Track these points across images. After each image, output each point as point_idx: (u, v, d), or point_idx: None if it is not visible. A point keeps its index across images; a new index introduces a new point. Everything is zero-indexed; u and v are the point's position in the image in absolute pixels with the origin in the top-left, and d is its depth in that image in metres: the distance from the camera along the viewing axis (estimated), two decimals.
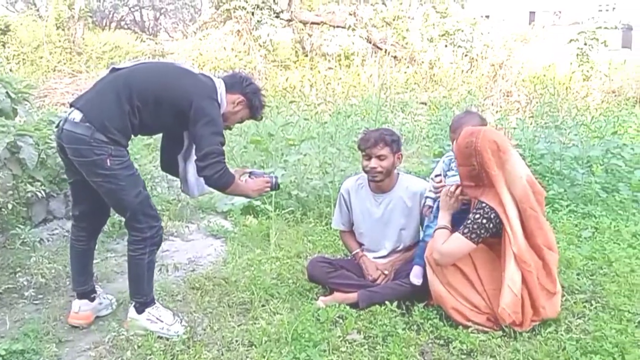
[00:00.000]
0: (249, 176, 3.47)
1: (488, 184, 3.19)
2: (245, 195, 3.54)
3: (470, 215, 3.24)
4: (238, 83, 3.37)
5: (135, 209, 3.11)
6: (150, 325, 3.21)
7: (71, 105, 3.11)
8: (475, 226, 3.20)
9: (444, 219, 3.40)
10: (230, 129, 3.58)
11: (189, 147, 3.31)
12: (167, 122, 3.23)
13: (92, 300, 3.42)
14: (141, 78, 3.17)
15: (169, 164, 3.52)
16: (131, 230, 3.18)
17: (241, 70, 3.68)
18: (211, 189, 3.42)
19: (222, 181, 3.19)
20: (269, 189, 3.48)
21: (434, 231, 3.41)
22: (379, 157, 3.63)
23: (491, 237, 3.24)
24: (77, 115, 3.00)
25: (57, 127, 3.16)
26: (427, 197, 3.64)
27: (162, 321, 3.22)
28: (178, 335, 3.17)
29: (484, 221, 3.18)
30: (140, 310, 3.24)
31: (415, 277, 3.52)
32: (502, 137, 3.26)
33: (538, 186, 3.30)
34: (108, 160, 2.98)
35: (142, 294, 3.25)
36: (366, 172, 3.71)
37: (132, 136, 3.23)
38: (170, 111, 3.15)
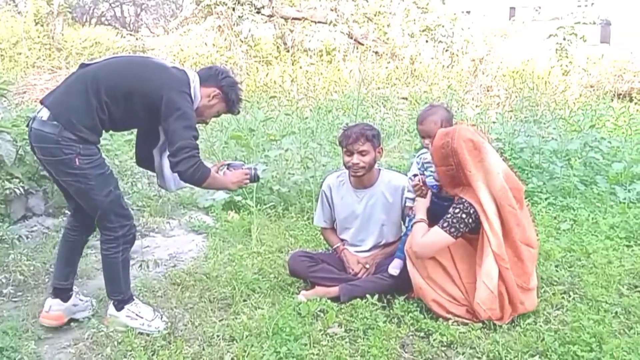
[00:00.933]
0: (227, 168, 3.38)
1: (466, 182, 3.22)
2: (224, 188, 3.49)
3: (450, 210, 3.26)
4: (213, 76, 3.29)
5: (106, 209, 3.05)
6: (131, 322, 3.17)
7: (41, 102, 3.05)
8: (454, 220, 3.22)
9: (420, 212, 3.43)
10: (206, 123, 3.51)
11: (164, 140, 3.23)
12: (138, 117, 3.16)
13: (66, 300, 3.32)
14: (110, 73, 3.10)
15: (144, 159, 3.44)
16: (103, 230, 3.13)
17: (220, 65, 3.59)
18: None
19: (196, 176, 3.10)
20: (248, 180, 3.37)
21: (412, 225, 3.43)
22: (361, 153, 3.62)
23: (470, 232, 3.27)
24: (45, 114, 2.95)
25: (27, 126, 3.10)
26: (406, 197, 3.64)
27: (142, 317, 3.19)
28: (159, 331, 3.15)
29: (464, 216, 3.21)
30: (119, 307, 3.21)
31: (394, 268, 3.54)
32: (476, 134, 3.27)
33: (516, 182, 3.33)
34: (77, 160, 2.92)
35: (119, 292, 3.22)
36: (348, 167, 3.71)
37: (103, 132, 3.13)
38: (141, 106, 3.08)
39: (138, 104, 3.07)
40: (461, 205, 3.23)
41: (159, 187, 3.58)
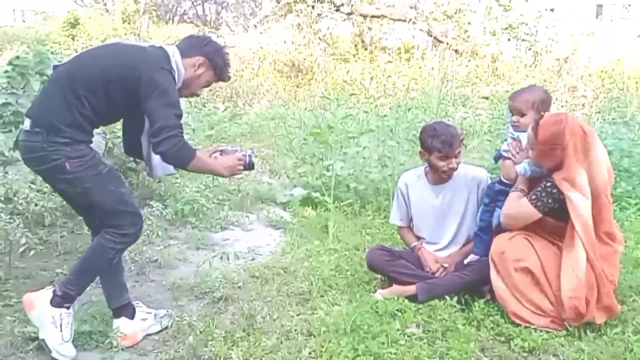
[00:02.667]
0: (221, 154, 3.14)
1: (566, 164, 3.15)
2: (215, 172, 3.25)
3: (542, 184, 3.23)
4: (195, 45, 3.08)
5: (110, 209, 2.91)
6: (49, 323, 2.88)
7: (25, 115, 2.95)
8: (543, 194, 3.19)
9: (520, 183, 3.37)
10: (197, 95, 3.34)
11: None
12: (121, 105, 2.95)
13: (131, 317, 3.14)
14: (82, 65, 2.94)
15: (132, 147, 3.25)
16: (110, 228, 2.94)
17: (199, 34, 3.29)
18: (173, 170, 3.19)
19: (180, 156, 2.87)
20: (241, 167, 3.11)
21: (510, 193, 3.38)
22: (457, 155, 3.63)
23: (556, 217, 3.21)
24: (27, 124, 2.85)
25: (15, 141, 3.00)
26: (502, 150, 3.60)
27: (61, 331, 2.88)
28: (63, 357, 2.88)
29: (554, 191, 3.16)
30: (57, 303, 2.91)
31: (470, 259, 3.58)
32: (586, 124, 3.25)
33: (612, 178, 3.31)
34: (67, 164, 2.78)
35: (76, 287, 2.98)
36: (444, 171, 3.66)
37: (90, 128, 2.94)
38: (121, 92, 2.88)
39: (117, 91, 2.87)
40: (553, 181, 3.17)
41: (147, 175, 3.32)
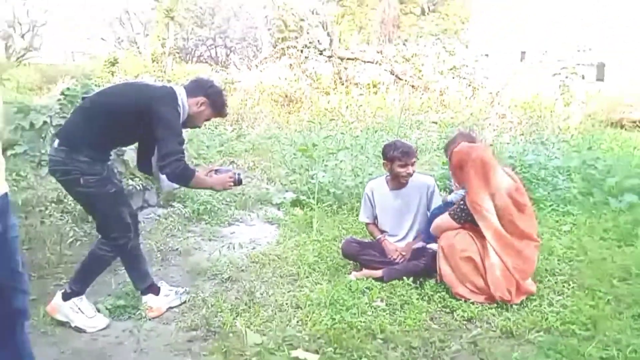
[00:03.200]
0: (215, 173, 3.09)
1: (470, 186, 3.24)
2: (210, 188, 3.15)
3: (459, 202, 3.32)
4: (200, 87, 3.04)
5: (107, 222, 2.89)
6: (72, 314, 2.88)
7: (55, 135, 2.91)
8: (458, 210, 3.30)
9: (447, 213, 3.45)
10: (199, 127, 3.26)
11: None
12: (135, 132, 2.94)
13: (157, 293, 3.13)
14: (103, 98, 2.92)
15: (144, 165, 3.18)
16: (103, 237, 2.92)
17: (203, 76, 3.26)
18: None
19: (182, 176, 2.85)
20: (232, 183, 3.04)
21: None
22: (413, 164, 3.66)
23: (475, 224, 3.25)
24: (56, 142, 2.81)
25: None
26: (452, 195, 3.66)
27: (83, 312, 2.89)
28: (95, 328, 2.87)
29: (466, 208, 3.25)
30: (66, 297, 2.91)
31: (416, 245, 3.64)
32: (490, 157, 3.23)
33: (521, 199, 3.25)
34: (81, 179, 2.74)
35: (81, 284, 2.95)
36: (403, 176, 3.68)
37: (107, 150, 2.93)
38: (135, 122, 2.85)
39: (132, 121, 2.85)
40: (464, 200, 3.26)
41: (160, 187, 3.28)
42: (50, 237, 3.82)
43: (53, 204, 4.10)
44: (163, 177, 2.94)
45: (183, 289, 3.31)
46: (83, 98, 3.04)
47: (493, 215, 3.18)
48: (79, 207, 4.23)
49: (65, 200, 4.24)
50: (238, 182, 3.09)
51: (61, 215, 3.98)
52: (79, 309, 2.89)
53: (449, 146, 3.57)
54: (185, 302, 3.21)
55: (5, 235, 1.75)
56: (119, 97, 2.94)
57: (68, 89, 5.67)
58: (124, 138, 3.06)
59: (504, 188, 3.20)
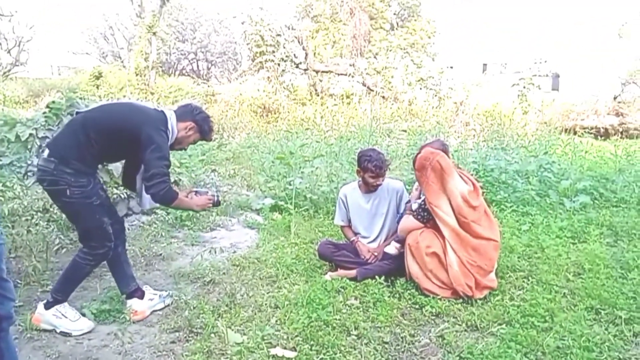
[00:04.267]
0: (195, 194, 3.07)
1: (430, 189, 3.30)
2: (190, 209, 3.12)
3: (421, 203, 3.39)
4: (189, 112, 3.02)
5: (89, 232, 2.83)
6: (55, 321, 2.82)
7: (46, 145, 2.85)
8: (420, 210, 3.37)
9: (409, 210, 3.52)
10: (185, 149, 3.22)
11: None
12: (123, 150, 2.91)
13: (141, 297, 3.07)
14: (97, 115, 2.88)
15: (128, 182, 3.16)
16: (85, 246, 2.86)
17: (193, 103, 3.32)
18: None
19: (166, 197, 2.83)
20: (211, 204, 3.06)
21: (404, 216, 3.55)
22: (383, 175, 3.70)
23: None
24: (45, 153, 2.76)
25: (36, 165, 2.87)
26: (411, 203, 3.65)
27: (66, 317, 2.83)
28: (81, 331, 2.81)
29: (427, 207, 3.33)
30: (48, 306, 2.84)
31: (390, 249, 3.60)
32: (448, 163, 3.28)
33: (472, 202, 3.30)
34: (68, 190, 2.70)
35: (63, 293, 2.88)
36: (374, 186, 3.70)
37: (94, 165, 2.89)
38: (124, 141, 2.82)
39: (122, 139, 2.82)
40: (424, 202, 3.33)
41: (137, 204, 3.21)
42: (37, 245, 3.73)
43: (39, 213, 4.00)
44: (146, 196, 2.91)
45: (166, 292, 3.25)
46: (76, 112, 3.01)
47: (450, 216, 3.24)
48: (64, 216, 4.14)
49: (52, 210, 4.15)
50: (217, 204, 3.09)
51: (47, 224, 3.89)
52: (62, 314, 2.83)
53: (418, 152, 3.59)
54: (168, 305, 3.16)
55: None
56: (113, 115, 2.91)
57: (53, 102, 5.54)
58: (112, 155, 3.01)
59: (459, 191, 3.26)
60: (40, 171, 2.78)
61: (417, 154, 3.46)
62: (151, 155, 2.76)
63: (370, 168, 3.64)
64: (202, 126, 3.05)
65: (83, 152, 2.76)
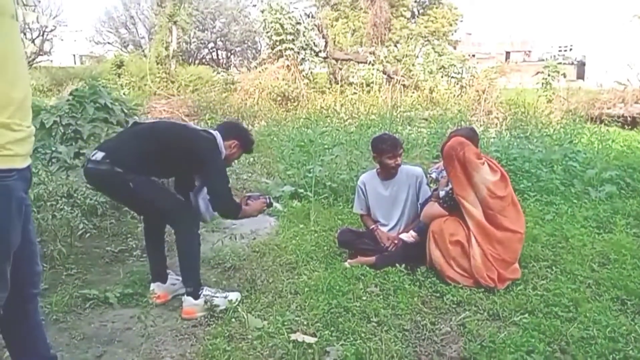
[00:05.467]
0: (249, 199, 3.23)
1: (457, 180, 3.27)
2: (251, 216, 3.28)
3: (447, 191, 3.36)
4: (231, 131, 3.17)
5: (173, 212, 2.91)
6: (215, 300, 2.93)
7: (98, 149, 2.90)
8: (447, 198, 3.33)
9: (435, 197, 3.48)
10: (231, 165, 3.38)
11: (200, 186, 3.06)
12: (180, 167, 3.01)
13: (164, 282, 3.14)
14: (164, 131, 3.04)
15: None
16: (175, 225, 2.96)
17: (232, 120, 3.48)
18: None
19: (233, 213, 3.10)
20: (266, 207, 3.26)
21: (428, 202, 3.52)
22: (400, 155, 3.68)
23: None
24: (99, 155, 2.79)
25: (82, 166, 2.96)
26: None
27: (216, 295, 2.96)
28: (236, 299, 2.98)
29: (454, 196, 3.29)
30: (195, 296, 2.92)
31: (407, 237, 3.58)
32: (475, 157, 3.23)
33: (498, 192, 3.25)
34: (131, 184, 2.77)
35: (194, 280, 2.96)
36: (391, 167, 3.69)
37: (151, 175, 2.90)
38: (185, 160, 2.93)
39: (182, 158, 2.93)
40: (452, 190, 3.30)
41: (203, 219, 3.23)
42: (61, 230, 3.81)
43: (64, 199, 4.07)
44: (203, 211, 3.07)
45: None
46: (135, 124, 3.14)
47: (476, 207, 3.20)
48: (88, 201, 4.22)
49: (75, 195, 4.22)
50: (270, 205, 3.29)
51: (71, 209, 3.96)
52: (212, 297, 2.90)
53: (445, 140, 3.52)
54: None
55: (26, 201, 1.71)
56: (170, 133, 3.02)
57: (77, 90, 5.64)
58: (168, 170, 3.02)
59: (484, 184, 3.21)
60: (94, 174, 2.83)
61: (446, 141, 3.40)
62: (214, 177, 2.93)
63: (385, 148, 3.64)
64: (245, 142, 3.21)
65: (143, 163, 2.82)
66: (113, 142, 3.02)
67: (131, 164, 2.79)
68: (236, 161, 3.68)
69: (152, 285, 3.11)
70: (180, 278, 3.19)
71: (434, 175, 3.71)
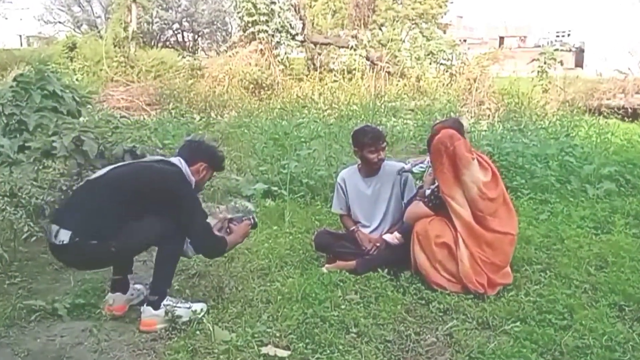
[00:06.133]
0: (231, 222, 3.21)
1: (443, 177, 3.30)
2: (237, 244, 3.29)
3: (433, 190, 3.39)
4: (195, 152, 3.09)
5: (154, 240, 2.87)
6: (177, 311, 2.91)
7: (55, 222, 2.77)
8: (432, 197, 3.36)
9: (421, 195, 3.52)
10: (202, 190, 3.35)
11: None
12: (150, 211, 2.83)
13: (125, 292, 3.09)
14: (124, 180, 2.88)
15: None
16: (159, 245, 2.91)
17: (192, 138, 3.41)
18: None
19: (218, 251, 3.09)
20: (250, 227, 3.27)
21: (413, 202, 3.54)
22: (383, 149, 3.70)
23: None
24: (65, 236, 2.70)
25: (48, 242, 2.86)
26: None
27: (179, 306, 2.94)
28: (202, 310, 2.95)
29: (440, 195, 3.31)
30: (155, 306, 2.89)
31: (389, 239, 3.61)
32: (466, 153, 3.25)
33: (489, 194, 3.28)
34: (112, 248, 2.73)
35: (158, 289, 2.95)
36: (374, 162, 3.70)
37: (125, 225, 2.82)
38: (153, 203, 2.83)
39: (149, 202, 2.83)
40: (438, 188, 3.32)
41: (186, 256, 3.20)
42: (3, 233, 3.73)
43: (6, 198, 3.97)
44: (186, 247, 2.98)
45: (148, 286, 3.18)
46: (88, 181, 2.98)
47: (464, 208, 3.23)
48: (34, 200, 4.12)
49: (20, 194, 4.12)
50: (255, 225, 3.33)
51: (15, 210, 3.86)
52: (173, 308, 2.85)
53: (431, 132, 3.53)
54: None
55: None
56: (132, 180, 2.89)
57: (22, 75, 5.50)
58: (137, 216, 2.86)
59: (475, 183, 3.24)
60: (69, 253, 2.75)
61: (432, 134, 3.41)
62: (192, 216, 2.86)
63: (367, 141, 3.65)
64: (214, 161, 3.15)
65: (114, 221, 2.74)
66: (73, 212, 2.82)
67: (105, 232, 2.72)
68: None
69: (110, 296, 3.05)
70: (138, 287, 3.18)
71: (407, 167, 3.71)
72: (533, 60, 15.51)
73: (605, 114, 12.41)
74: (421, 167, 3.73)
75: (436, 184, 3.39)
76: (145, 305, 2.87)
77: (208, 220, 3.03)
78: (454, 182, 3.24)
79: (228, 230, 3.20)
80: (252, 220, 3.25)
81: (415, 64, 16.20)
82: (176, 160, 3.01)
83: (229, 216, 3.26)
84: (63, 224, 2.74)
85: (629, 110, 13.09)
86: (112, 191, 2.83)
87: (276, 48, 17.23)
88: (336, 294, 3.17)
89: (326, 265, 3.62)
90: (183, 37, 28.88)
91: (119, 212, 2.77)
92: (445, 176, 3.25)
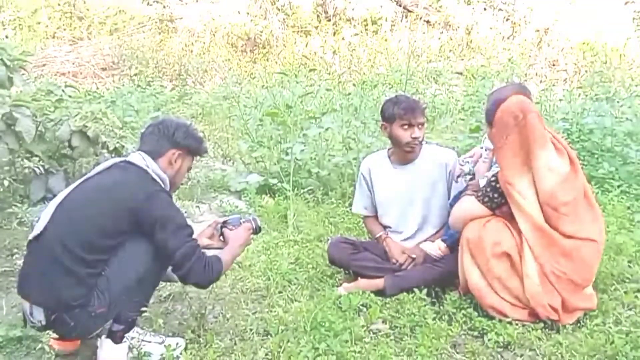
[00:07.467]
0: (224, 227, 3.19)
1: (503, 166, 3.24)
2: (236, 257, 3.24)
3: (488, 178, 3.35)
4: (161, 139, 3.03)
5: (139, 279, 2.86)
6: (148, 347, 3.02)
7: (23, 297, 2.82)
8: (489, 189, 3.29)
9: (474, 186, 3.48)
10: (179, 187, 3.36)
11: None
12: (125, 242, 2.83)
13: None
14: (71, 227, 2.78)
15: None
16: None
17: (153, 122, 3.27)
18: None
19: (213, 276, 2.91)
20: (251, 234, 3.21)
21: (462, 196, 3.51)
22: (421, 125, 3.66)
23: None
24: (40, 316, 2.75)
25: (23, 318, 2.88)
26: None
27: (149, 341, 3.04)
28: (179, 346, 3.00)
29: (499, 185, 3.23)
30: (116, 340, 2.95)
31: (429, 249, 3.61)
32: (542, 128, 3.21)
33: (559, 199, 3.21)
34: (97, 310, 2.75)
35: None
36: (407, 143, 3.67)
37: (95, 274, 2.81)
38: (122, 235, 2.80)
39: (118, 235, 2.80)
40: (496, 177, 3.26)
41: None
42: None
43: None
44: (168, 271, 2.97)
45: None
46: (30, 242, 2.94)
47: (530, 202, 3.18)
48: None
49: None
50: (257, 230, 3.24)
51: None
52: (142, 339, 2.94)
53: (492, 99, 3.46)
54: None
55: None
56: (89, 218, 2.81)
57: None
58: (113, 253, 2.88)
59: (553, 172, 3.19)
60: (56, 331, 2.79)
61: (497, 103, 3.35)
62: (164, 234, 2.77)
63: (399, 112, 3.63)
64: (188, 144, 3.09)
65: (85, 281, 2.73)
66: (32, 282, 2.82)
67: (79, 297, 2.71)
68: None
69: None
70: None
71: (466, 168, 3.62)
72: (627, 2, 15.35)
73: None
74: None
75: (494, 171, 3.36)
76: (103, 338, 2.89)
77: (193, 235, 2.95)
78: (521, 168, 3.19)
79: (222, 238, 3.21)
80: (253, 222, 3.21)
81: (465, 10, 16.12)
82: (136, 158, 2.96)
83: (222, 219, 3.26)
84: (31, 299, 2.78)
85: None
86: (63, 249, 2.74)
87: None
88: (358, 323, 3.18)
89: (343, 285, 3.64)
90: None
91: (84, 271, 2.74)
92: (510, 159, 3.20)
